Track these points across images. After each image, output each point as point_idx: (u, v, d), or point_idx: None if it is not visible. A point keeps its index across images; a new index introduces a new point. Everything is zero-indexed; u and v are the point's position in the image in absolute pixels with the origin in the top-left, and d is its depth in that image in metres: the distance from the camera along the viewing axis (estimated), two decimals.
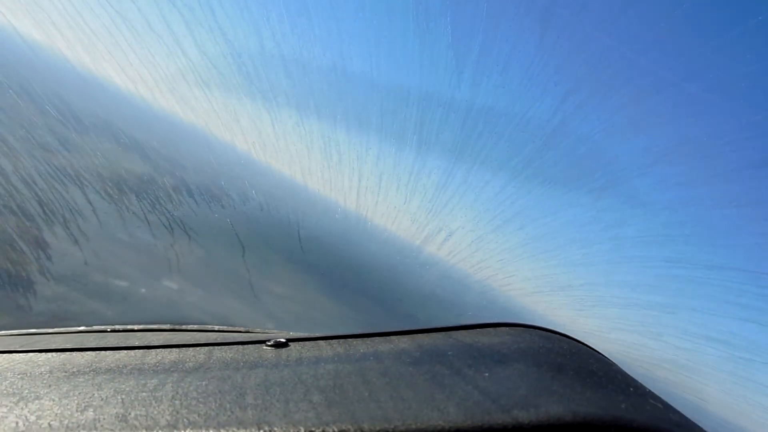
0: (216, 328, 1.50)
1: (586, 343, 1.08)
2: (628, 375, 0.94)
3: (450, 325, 1.11)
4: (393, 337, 1.06)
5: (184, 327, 1.49)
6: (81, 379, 0.85)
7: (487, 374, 0.78)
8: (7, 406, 0.74)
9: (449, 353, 0.90)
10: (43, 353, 1.02)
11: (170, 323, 1.49)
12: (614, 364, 1.01)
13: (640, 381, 0.93)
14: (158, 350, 1.02)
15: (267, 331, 1.45)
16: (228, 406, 0.70)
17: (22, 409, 0.72)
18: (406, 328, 1.10)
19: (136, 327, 1.44)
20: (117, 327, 1.42)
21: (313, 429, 0.63)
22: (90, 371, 0.89)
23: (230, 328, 1.51)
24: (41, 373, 0.89)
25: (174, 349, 1.02)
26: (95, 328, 1.43)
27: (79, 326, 1.43)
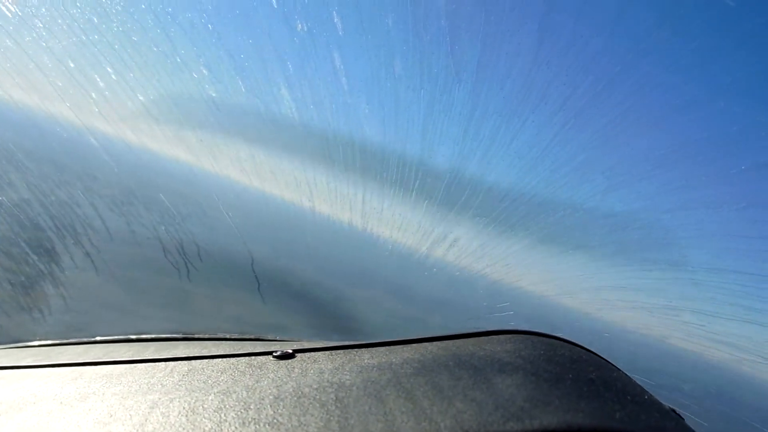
0: (227, 336, 1.53)
1: (588, 348, 1.10)
2: (630, 380, 0.96)
3: (453, 333, 1.14)
4: (396, 347, 1.08)
5: (195, 336, 1.53)
6: (91, 391, 0.89)
7: (485, 386, 0.80)
8: (16, 421, 0.77)
9: (450, 363, 0.93)
10: (55, 368, 1.06)
11: (182, 332, 1.53)
12: (616, 369, 1.03)
13: (641, 384, 0.96)
14: (168, 363, 1.06)
15: (276, 339, 1.48)
16: (232, 420, 0.74)
17: (33, 426, 0.76)
18: (412, 337, 1.13)
19: (149, 336, 1.47)
20: (131, 336, 1.46)
21: None
22: (100, 386, 0.93)
23: (240, 336, 1.55)
24: (52, 389, 0.92)
25: (183, 362, 1.06)
26: (109, 338, 1.47)
27: (94, 336, 1.47)
